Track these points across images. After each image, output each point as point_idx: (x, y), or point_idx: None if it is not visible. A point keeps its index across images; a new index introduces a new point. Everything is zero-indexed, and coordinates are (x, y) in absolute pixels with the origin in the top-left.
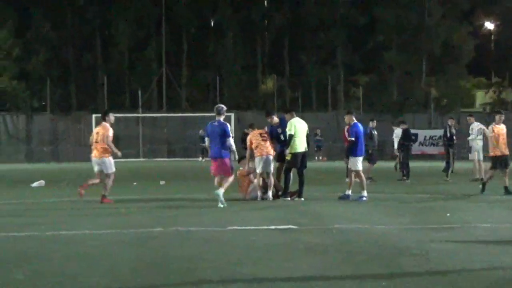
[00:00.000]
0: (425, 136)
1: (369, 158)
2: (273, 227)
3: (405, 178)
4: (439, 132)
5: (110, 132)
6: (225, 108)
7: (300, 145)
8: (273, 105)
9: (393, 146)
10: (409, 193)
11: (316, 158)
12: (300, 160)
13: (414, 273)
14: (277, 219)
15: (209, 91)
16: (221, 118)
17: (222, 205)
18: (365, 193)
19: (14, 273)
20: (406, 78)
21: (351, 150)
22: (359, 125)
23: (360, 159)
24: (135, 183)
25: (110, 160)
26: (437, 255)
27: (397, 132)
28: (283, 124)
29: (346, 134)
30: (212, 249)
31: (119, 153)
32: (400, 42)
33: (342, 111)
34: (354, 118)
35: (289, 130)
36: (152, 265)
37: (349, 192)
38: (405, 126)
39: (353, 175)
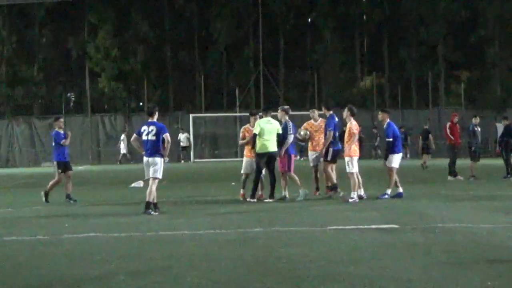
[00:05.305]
0: None
1: (472, 156)
2: (374, 226)
3: (509, 175)
4: None
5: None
6: None
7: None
8: (372, 103)
9: (495, 142)
10: None
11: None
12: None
13: None
14: (378, 218)
15: (306, 90)
16: None
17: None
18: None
19: (116, 273)
20: (510, 73)
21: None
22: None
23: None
24: (233, 183)
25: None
26: None
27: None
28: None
29: (448, 131)
30: (313, 249)
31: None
32: (503, 36)
33: (443, 108)
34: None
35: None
36: (252, 266)
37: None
38: (507, 122)
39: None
